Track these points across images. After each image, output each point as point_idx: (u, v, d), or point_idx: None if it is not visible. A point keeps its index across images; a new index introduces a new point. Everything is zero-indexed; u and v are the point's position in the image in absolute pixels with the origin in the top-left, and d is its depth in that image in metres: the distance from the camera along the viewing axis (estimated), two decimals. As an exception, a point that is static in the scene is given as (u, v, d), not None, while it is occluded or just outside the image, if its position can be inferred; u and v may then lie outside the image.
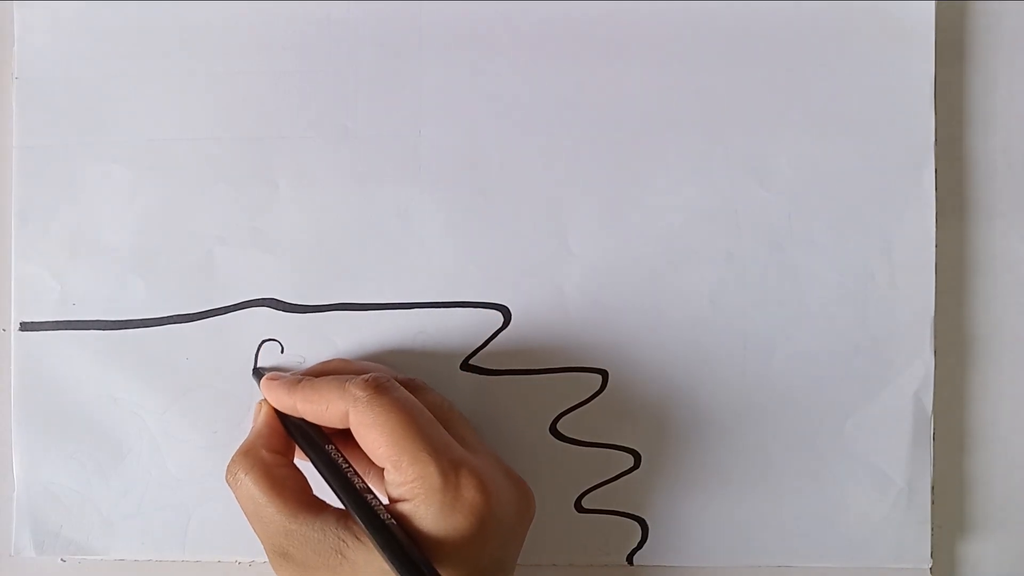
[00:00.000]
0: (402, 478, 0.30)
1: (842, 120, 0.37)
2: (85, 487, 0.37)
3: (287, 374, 0.34)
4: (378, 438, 0.30)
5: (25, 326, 0.37)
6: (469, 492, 0.30)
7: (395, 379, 0.33)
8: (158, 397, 0.37)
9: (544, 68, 0.37)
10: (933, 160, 0.36)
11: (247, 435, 0.34)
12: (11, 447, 0.37)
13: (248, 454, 0.32)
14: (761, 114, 0.37)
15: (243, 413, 0.37)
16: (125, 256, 0.37)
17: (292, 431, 0.33)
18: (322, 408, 0.32)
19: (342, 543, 0.30)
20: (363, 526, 0.30)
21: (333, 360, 0.36)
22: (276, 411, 0.34)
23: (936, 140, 0.36)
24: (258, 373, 0.36)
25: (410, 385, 0.33)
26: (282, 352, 0.37)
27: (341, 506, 0.31)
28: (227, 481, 0.32)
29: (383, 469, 0.31)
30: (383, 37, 0.37)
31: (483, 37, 0.37)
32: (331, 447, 0.32)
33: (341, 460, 0.32)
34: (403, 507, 0.30)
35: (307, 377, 0.33)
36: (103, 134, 0.37)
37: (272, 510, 0.31)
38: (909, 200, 0.37)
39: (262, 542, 0.32)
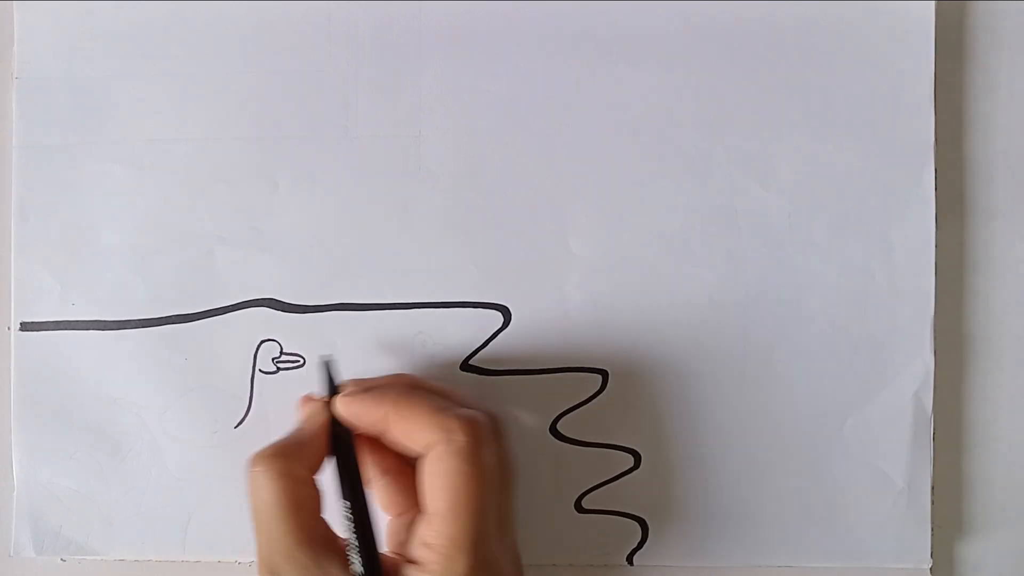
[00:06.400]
0: (431, 542, 0.29)
1: (842, 120, 0.37)
2: (85, 487, 0.37)
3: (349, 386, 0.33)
4: (441, 491, 0.29)
5: (25, 326, 0.37)
6: None
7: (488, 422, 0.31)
8: (158, 397, 0.37)
9: (544, 68, 0.37)
10: (933, 160, 0.36)
11: (288, 433, 0.32)
12: (11, 447, 0.37)
13: (281, 459, 0.30)
14: (761, 114, 0.37)
15: (243, 413, 0.37)
16: (125, 256, 0.37)
17: (341, 468, 0.31)
18: (410, 427, 0.30)
19: None
20: None
21: (403, 375, 0.34)
22: (333, 433, 0.32)
23: (936, 140, 0.36)
24: (330, 380, 0.33)
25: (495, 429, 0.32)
26: (281, 352, 0.37)
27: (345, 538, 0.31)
28: (248, 470, 0.30)
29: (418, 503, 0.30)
30: (383, 37, 0.37)
31: (483, 37, 0.37)
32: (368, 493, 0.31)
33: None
34: (411, 570, 0.29)
35: (379, 388, 0.31)
36: (103, 134, 0.37)
37: (283, 529, 0.30)
38: (909, 200, 0.37)
39: (258, 550, 0.30)
